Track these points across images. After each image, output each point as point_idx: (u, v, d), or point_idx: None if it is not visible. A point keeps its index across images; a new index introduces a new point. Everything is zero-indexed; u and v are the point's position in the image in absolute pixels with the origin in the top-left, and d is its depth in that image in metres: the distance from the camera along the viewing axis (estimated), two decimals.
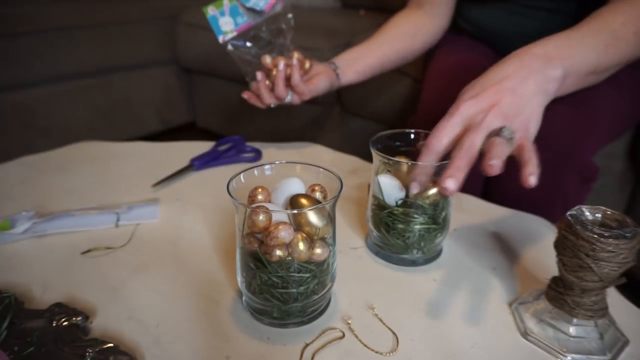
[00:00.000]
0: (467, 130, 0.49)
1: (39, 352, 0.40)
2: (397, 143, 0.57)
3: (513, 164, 0.71)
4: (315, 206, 0.43)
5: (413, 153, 0.57)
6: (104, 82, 1.67)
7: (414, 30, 0.89)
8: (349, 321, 0.46)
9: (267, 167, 0.48)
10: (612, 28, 0.60)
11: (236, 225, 0.44)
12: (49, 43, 1.50)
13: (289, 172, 0.48)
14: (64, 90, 1.58)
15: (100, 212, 0.61)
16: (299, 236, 0.42)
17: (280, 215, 0.42)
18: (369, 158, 0.58)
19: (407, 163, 0.52)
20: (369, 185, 0.56)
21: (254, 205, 0.43)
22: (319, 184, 0.47)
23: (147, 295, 0.49)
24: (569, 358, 0.42)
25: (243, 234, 0.43)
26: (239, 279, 0.46)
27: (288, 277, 0.42)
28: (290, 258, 0.42)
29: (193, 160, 0.76)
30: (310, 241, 0.42)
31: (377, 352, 0.42)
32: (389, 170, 0.53)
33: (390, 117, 1.26)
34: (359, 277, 0.52)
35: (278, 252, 0.41)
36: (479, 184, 0.77)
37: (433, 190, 0.51)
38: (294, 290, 0.42)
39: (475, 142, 0.48)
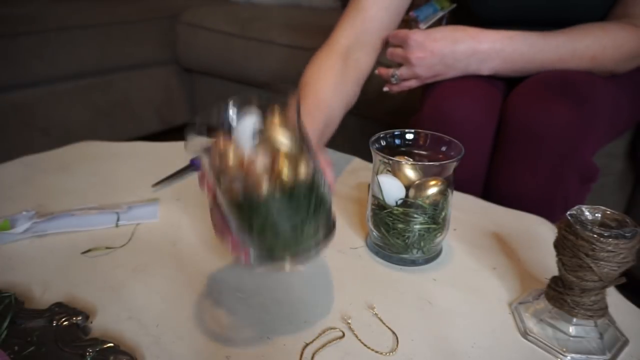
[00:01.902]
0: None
1: (39, 351, 0.40)
2: (397, 143, 0.57)
3: (512, 165, 0.71)
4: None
5: (413, 153, 0.57)
6: (104, 82, 1.67)
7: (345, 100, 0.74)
8: (349, 321, 0.46)
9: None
10: (575, 47, 0.71)
11: (211, 182, 0.41)
12: (49, 43, 1.50)
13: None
14: (64, 90, 1.57)
15: (100, 212, 0.61)
16: (280, 157, 0.38)
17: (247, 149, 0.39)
18: (369, 158, 0.58)
19: (407, 163, 0.52)
20: (369, 185, 0.56)
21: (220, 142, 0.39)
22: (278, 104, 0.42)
23: (147, 295, 0.49)
24: (568, 358, 0.42)
25: (221, 186, 0.40)
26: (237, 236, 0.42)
27: (285, 206, 0.39)
28: (278, 185, 0.38)
29: (193, 160, 0.76)
30: (290, 159, 0.39)
31: (377, 352, 0.42)
32: (389, 170, 0.53)
33: (390, 117, 1.26)
34: (359, 277, 0.52)
35: (264, 184, 0.38)
36: (479, 184, 0.78)
37: (433, 190, 0.51)
38: (299, 217, 0.39)
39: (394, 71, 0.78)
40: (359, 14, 0.77)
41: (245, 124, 0.40)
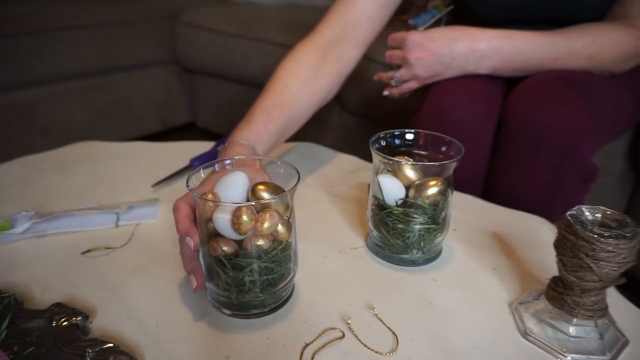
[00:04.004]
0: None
1: (38, 352, 0.40)
2: (397, 143, 0.57)
3: (513, 165, 0.71)
4: (279, 195, 0.44)
5: (413, 153, 0.57)
6: (104, 82, 1.67)
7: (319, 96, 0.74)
8: (349, 321, 0.46)
9: (227, 161, 0.50)
10: (572, 46, 0.72)
11: (201, 224, 0.44)
12: (49, 43, 1.50)
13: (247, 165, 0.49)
14: (63, 90, 1.57)
15: (100, 212, 0.61)
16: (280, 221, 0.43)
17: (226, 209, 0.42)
18: (369, 158, 0.58)
19: (407, 163, 0.52)
20: (369, 185, 0.56)
21: (238, 204, 0.42)
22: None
23: (147, 295, 0.49)
24: (568, 358, 0.42)
25: (210, 238, 0.43)
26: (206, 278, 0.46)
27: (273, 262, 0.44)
28: (273, 245, 0.43)
29: (193, 160, 0.76)
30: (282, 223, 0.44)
31: (377, 352, 0.42)
32: (389, 170, 0.53)
33: (390, 117, 1.26)
34: (359, 277, 0.52)
35: (261, 242, 0.43)
36: (479, 184, 0.77)
37: (433, 190, 0.51)
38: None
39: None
40: (347, 7, 0.76)
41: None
